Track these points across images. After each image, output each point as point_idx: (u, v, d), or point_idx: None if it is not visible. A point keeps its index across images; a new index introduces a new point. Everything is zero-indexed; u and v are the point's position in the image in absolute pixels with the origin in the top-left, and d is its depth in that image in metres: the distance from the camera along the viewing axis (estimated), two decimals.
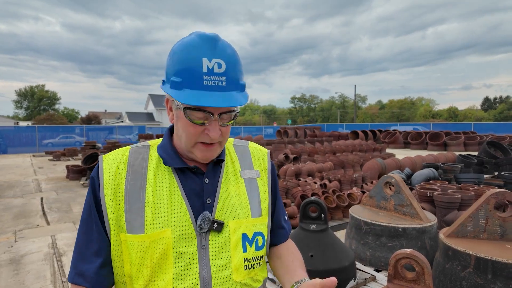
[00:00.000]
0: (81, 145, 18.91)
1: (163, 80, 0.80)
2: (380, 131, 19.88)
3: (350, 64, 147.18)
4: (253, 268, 0.85)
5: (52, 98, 59.38)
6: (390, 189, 3.26)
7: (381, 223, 2.83)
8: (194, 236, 0.78)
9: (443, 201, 3.41)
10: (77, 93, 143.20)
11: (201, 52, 0.72)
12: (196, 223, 0.78)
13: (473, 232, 2.40)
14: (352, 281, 2.22)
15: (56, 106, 60.57)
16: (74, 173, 8.94)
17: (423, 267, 1.70)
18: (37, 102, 57.44)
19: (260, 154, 0.98)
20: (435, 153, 10.18)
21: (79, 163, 11.46)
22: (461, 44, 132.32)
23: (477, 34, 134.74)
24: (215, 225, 0.79)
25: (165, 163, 0.82)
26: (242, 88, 0.79)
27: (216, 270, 0.78)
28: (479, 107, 64.71)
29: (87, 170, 8.89)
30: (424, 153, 11.18)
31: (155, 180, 0.80)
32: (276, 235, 0.99)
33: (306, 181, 5.93)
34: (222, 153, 0.87)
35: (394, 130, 19.84)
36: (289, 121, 42.75)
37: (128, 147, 0.87)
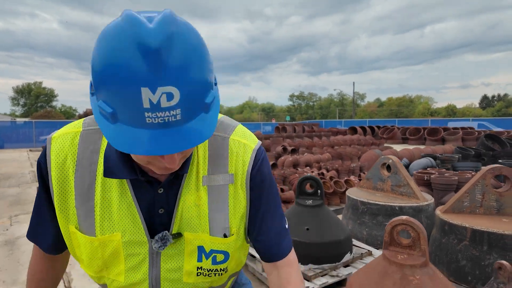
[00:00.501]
0: None
1: (91, 84, 0.55)
2: (378, 127, 19.89)
3: (348, 63, 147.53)
4: (209, 276, 0.78)
5: (49, 95, 59.24)
6: (387, 170, 3.25)
7: (378, 202, 2.83)
8: (145, 241, 0.72)
9: (440, 183, 3.41)
10: (75, 91, 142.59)
11: (139, 78, 0.46)
12: (147, 229, 0.71)
13: (470, 207, 2.39)
14: (348, 254, 2.22)
15: (54, 104, 60.51)
16: None
17: (419, 232, 1.69)
18: (34, 99, 57.30)
19: (241, 152, 0.75)
20: (433, 147, 10.19)
21: None
22: (459, 43, 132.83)
23: (475, 32, 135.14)
24: (172, 241, 0.72)
25: (109, 174, 0.67)
26: (208, 106, 0.55)
27: (166, 271, 0.75)
28: (478, 105, 65.00)
29: None
30: (422, 147, 11.20)
31: (104, 181, 0.69)
32: (266, 254, 0.81)
33: (304, 171, 5.93)
34: (186, 164, 0.69)
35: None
36: (288, 118, 42.68)
37: (80, 127, 0.72)
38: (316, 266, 2.07)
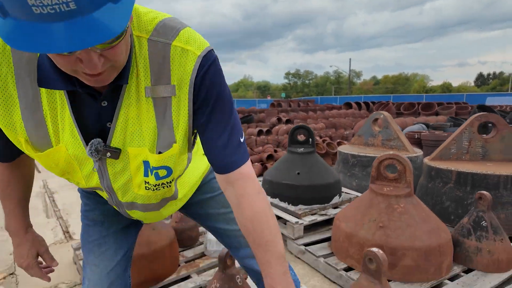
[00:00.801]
0: None
1: None
2: (373, 102, 19.92)
3: (345, 40, 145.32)
4: (158, 190, 0.79)
5: None
6: (379, 126, 3.30)
7: (368, 154, 2.89)
8: (88, 158, 0.70)
9: (430, 140, 3.48)
10: None
11: None
12: (85, 143, 0.68)
13: (456, 154, 2.46)
14: (337, 197, 2.29)
15: None
16: None
17: (405, 165, 1.75)
18: None
19: (182, 61, 0.66)
20: (426, 117, 10.28)
21: None
22: (457, 20, 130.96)
23: (474, 10, 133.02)
24: (109, 154, 0.69)
25: (43, 84, 0.61)
26: None
27: (116, 184, 0.77)
28: (473, 84, 65.12)
29: None
30: (415, 118, 11.29)
31: (48, 90, 0.64)
32: (216, 166, 0.74)
33: None
34: (123, 73, 0.63)
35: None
36: (283, 95, 42.25)
37: None
38: (306, 207, 2.14)
